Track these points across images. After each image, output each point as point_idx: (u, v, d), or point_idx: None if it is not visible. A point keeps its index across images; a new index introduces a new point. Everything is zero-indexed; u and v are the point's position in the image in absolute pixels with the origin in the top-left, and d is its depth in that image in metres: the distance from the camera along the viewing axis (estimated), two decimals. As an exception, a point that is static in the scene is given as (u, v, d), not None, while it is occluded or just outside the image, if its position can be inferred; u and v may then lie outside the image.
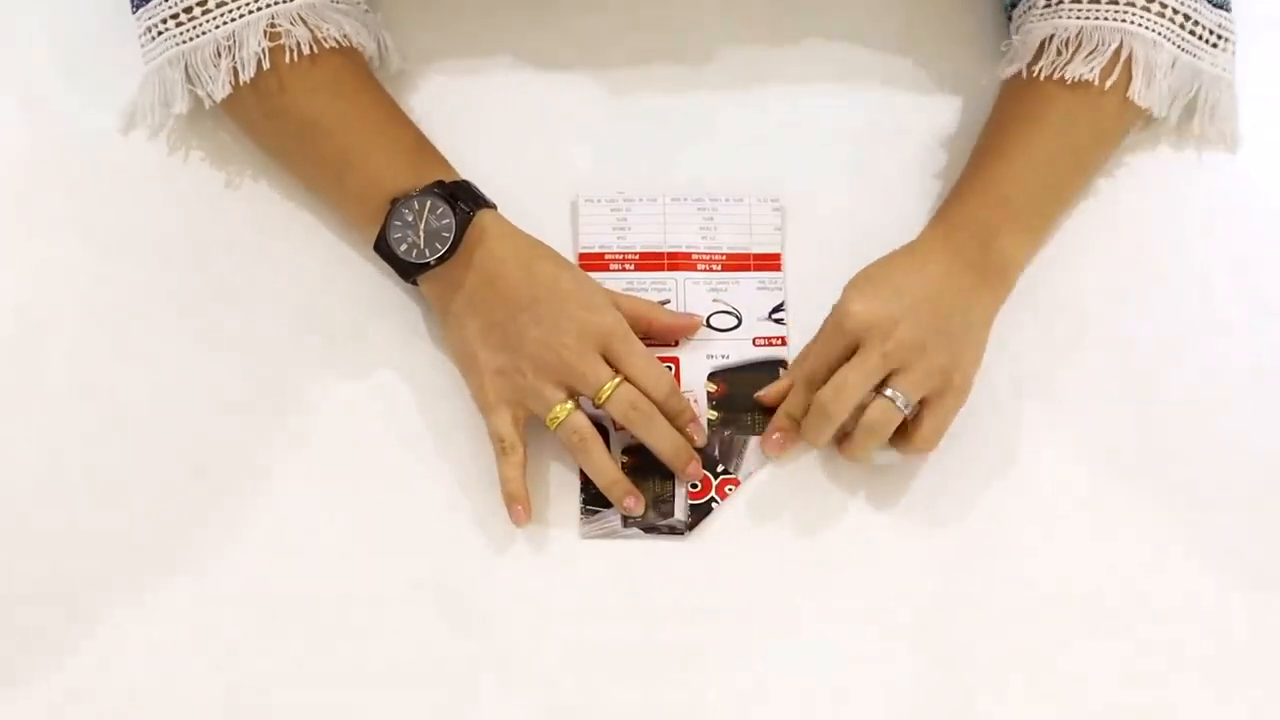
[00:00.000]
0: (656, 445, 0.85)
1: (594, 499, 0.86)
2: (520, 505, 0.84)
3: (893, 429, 0.83)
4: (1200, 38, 0.91)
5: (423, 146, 0.91)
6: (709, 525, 0.86)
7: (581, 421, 0.84)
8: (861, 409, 0.83)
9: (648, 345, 0.86)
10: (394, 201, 0.86)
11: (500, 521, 0.85)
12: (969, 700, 0.82)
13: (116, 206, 0.94)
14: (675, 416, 0.86)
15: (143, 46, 0.91)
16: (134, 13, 0.90)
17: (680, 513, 0.86)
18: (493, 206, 0.88)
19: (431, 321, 0.90)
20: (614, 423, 0.86)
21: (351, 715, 0.81)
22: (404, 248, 0.85)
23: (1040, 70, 0.91)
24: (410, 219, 0.85)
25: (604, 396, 0.83)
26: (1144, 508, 0.87)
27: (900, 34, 1.01)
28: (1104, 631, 0.84)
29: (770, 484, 0.88)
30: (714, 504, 0.86)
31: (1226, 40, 0.92)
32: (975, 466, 0.87)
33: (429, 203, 0.85)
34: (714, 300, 0.92)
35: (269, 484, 0.86)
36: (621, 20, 1.00)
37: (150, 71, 0.91)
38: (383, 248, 0.86)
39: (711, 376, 0.90)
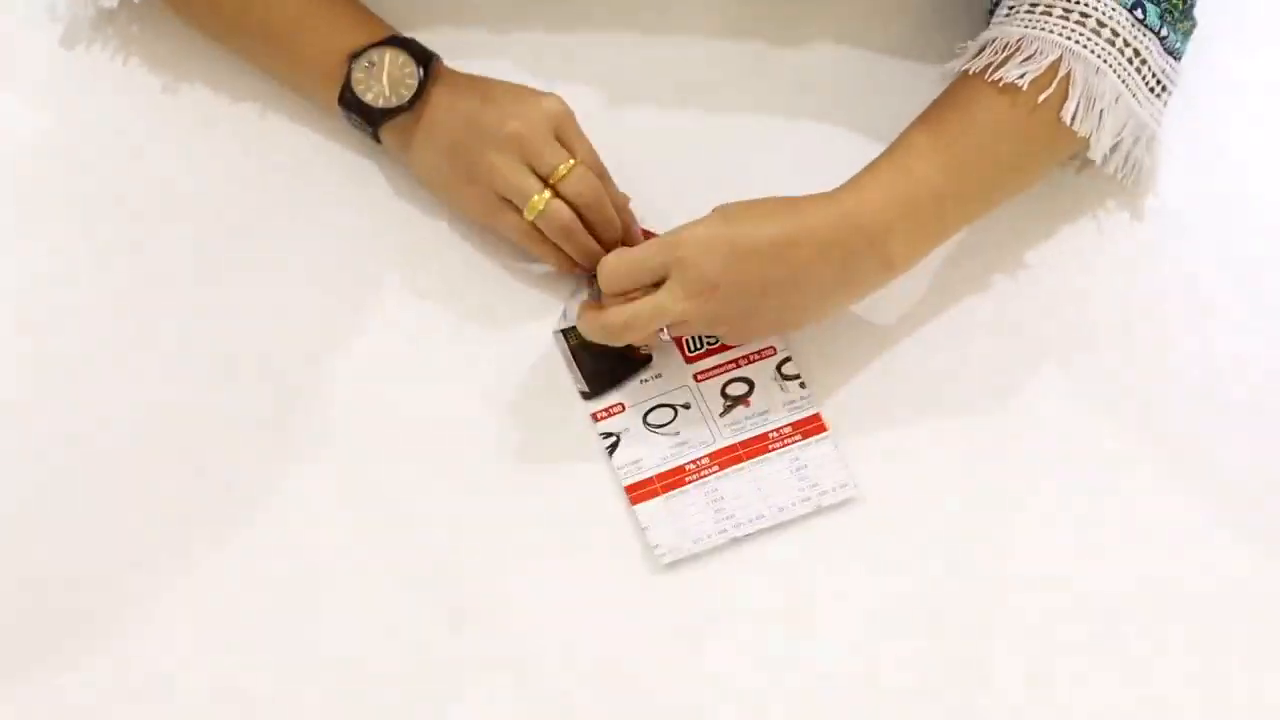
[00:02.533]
0: (599, 227, 0.88)
1: (593, 379, 0.88)
2: (563, 259, 0.88)
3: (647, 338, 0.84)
4: (1144, 79, 0.87)
5: (364, 9, 0.93)
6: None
7: (561, 206, 0.86)
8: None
9: None
10: (353, 56, 0.89)
11: (502, 527, 0.85)
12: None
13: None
14: (615, 198, 0.89)
15: None
16: None
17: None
18: (439, 59, 0.90)
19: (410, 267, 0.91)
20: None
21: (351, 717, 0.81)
22: (369, 96, 0.88)
23: (972, 67, 0.87)
24: (373, 70, 0.88)
25: (559, 174, 0.86)
26: (1148, 506, 0.86)
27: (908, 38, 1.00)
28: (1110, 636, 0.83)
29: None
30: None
31: (1166, 90, 0.89)
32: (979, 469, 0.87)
33: (388, 54, 0.89)
34: None
35: (272, 481, 0.86)
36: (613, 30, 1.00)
37: None
38: (349, 98, 0.88)
39: None
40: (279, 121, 0.95)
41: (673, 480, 0.85)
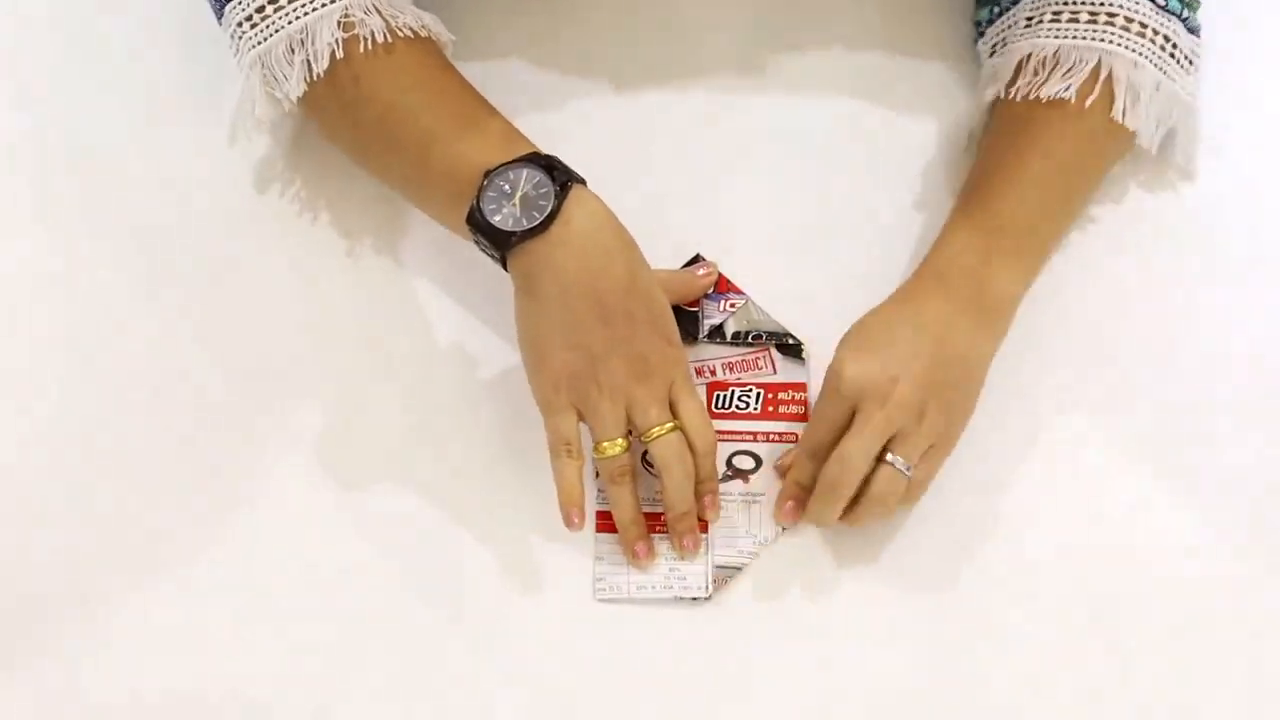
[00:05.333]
0: (670, 500, 0.83)
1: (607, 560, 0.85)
2: (577, 510, 0.81)
3: (900, 494, 0.81)
4: (1178, 61, 0.89)
5: (508, 126, 0.86)
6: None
7: (628, 460, 0.82)
8: (867, 477, 0.81)
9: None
10: (488, 173, 0.81)
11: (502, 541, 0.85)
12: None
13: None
14: (705, 480, 0.84)
15: (234, 58, 0.89)
16: (220, 24, 0.88)
17: (698, 581, 0.84)
18: (584, 182, 0.82)
19: (447, 322, 0.91)
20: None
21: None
22: (498, 218, 0.80)
23: (1017, 91, 0.88)
24: (506, 189, 0.80)
25: (654, 436, 0.81)
26: (1149, 505, 0.86)
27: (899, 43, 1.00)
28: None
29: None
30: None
31: (1194, 66, 0.91)
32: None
33: (525, 173, 0.80)
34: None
35: (269, 486, 0.87)
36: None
37: (240, 79, 0.89)
38: (478, 219, 0.80)
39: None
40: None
41: (645, 525, 0.85)
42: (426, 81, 0.86)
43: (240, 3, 0.86)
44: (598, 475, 0.86)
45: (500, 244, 0.80)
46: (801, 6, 1.00)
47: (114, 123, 0.99)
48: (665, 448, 0.81)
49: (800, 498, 0.84)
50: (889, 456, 0.80)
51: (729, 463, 0.87)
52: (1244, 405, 0.88)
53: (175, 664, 0.83)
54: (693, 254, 0.92)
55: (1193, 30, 0.90)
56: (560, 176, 0.80)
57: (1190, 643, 0.82)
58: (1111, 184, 0.94)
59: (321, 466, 0.87)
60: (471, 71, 0.89)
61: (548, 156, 0.82)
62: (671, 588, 0.83)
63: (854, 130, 0.97)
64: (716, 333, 0.89)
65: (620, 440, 0.81)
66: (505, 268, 0.82)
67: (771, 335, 0.89)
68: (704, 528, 0.85)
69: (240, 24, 0.86)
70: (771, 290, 0.91)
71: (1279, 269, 0.93)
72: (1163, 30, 0.88)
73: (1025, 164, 0.87)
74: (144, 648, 0.83)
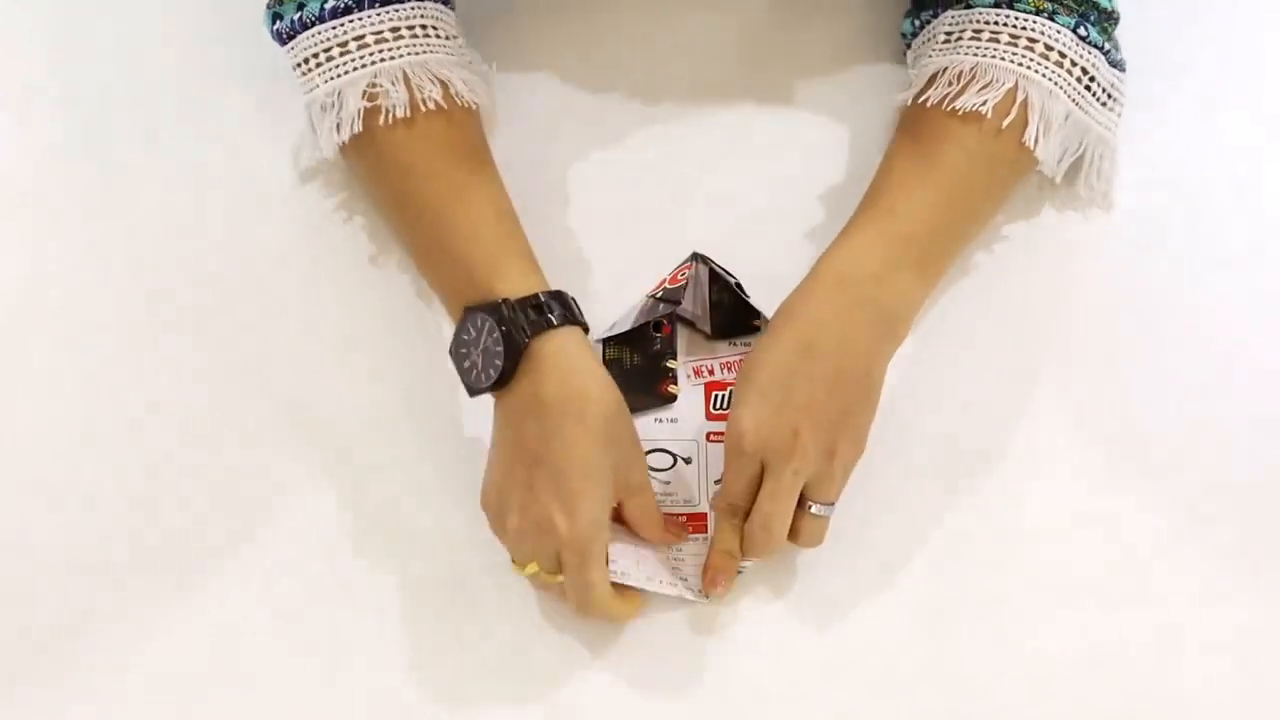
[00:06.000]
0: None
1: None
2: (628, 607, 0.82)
3: (826, 529, 0.81)
4: (1094, 95, 0.88)
5: (503, 244, 0.85)
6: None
7: (542, 583, 0.82)
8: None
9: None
10: (466, 310, 0.82)
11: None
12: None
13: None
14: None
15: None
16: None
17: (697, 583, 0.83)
18: (556, 325, 0.81)
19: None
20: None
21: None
22: (465, 364, 0.82)
23: (929, 99, 0.88)
24: (473, 335, 0.82)
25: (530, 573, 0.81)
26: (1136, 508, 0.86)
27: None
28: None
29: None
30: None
31: (1116, 101, 0.91)
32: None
33: (487, 325, 0.81)
34: None
35: (283, 499, 0.86)
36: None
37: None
38: (454, 354, 0.83)
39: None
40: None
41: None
42: (437, 173, 0.87)
43: (291, 50, 0.89)
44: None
45: (469, 390, 0.82)
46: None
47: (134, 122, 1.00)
48: (532, 579, 0.82)
49: (730, 568, 0.81)
50: (810, 507, 0.80)
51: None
52: (1233, 404, 0.89)
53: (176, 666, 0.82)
54: (688, 253, 0.90)
55: (1115, 64, 0.90)
56: (521, 332, 0.79)
57: (1186, 644, 0.82)
58: (1029, 209, 0.95)
59: (334, 476, 0.87)
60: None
61: (518, 301, 0.81)
62: (676, 585, 0.82)
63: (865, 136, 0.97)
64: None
65: (534, 564, 0.80)
66: None
67: None
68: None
69: (294, 68, 0.89)
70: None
71: (1197, 296, 0.93)
72: (1081, 62, 0.88)
73: (932, 174, 0.87)
74: (151, 656, 0.83)
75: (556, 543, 0.78)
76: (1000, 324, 0.91)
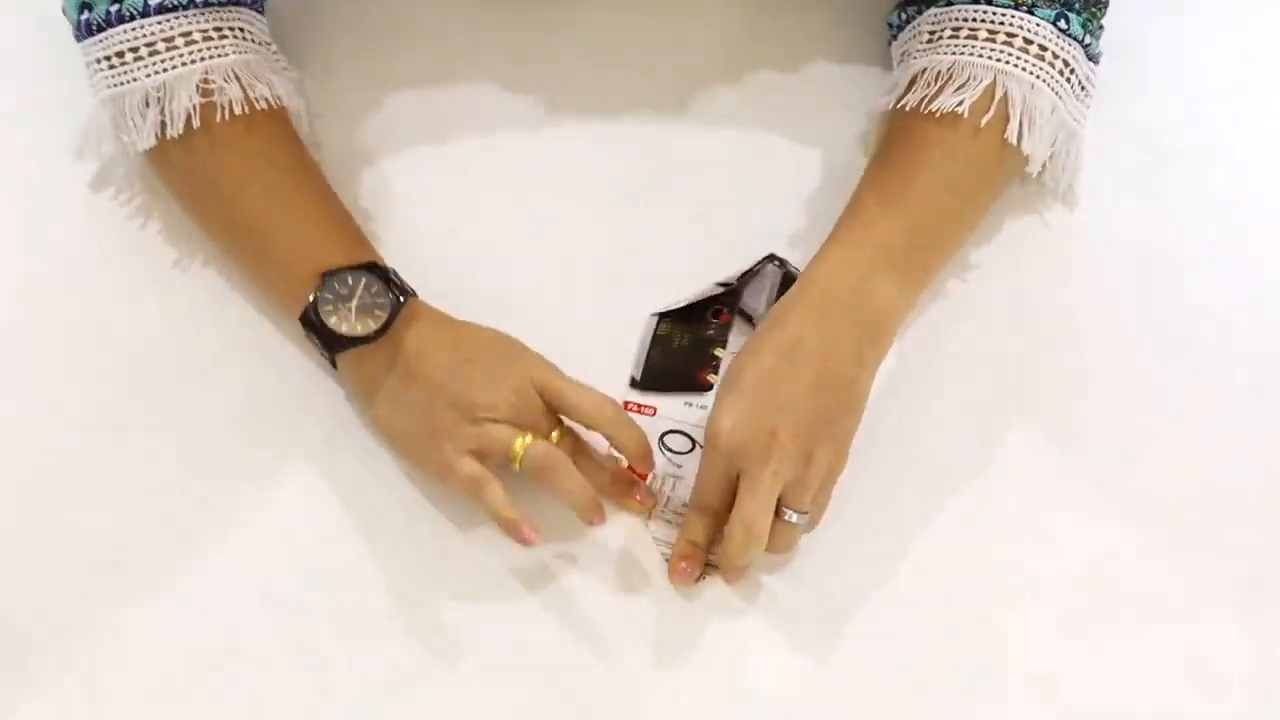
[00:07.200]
0: (569, 503, 0.82)
1: (648, 373, 0.88)
2: (523, 525, 0.80)
3: (799, 536, 0.82)
4: (1072, 87, 0.88)
5: (352, 227, 0.89)
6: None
7: (545, 447, 0.81)
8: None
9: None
10: (325, 275, 0.83)
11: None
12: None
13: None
14: (624, 444, 0.83)
15: (88, 81, 0.90)
16: (78, 42, 0.89)
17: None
18: (414, 296, 0.86)
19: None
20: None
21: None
22: (333, 320, 0.82)
23: (907, 102, 0.88)
24: (344, 293, 0.83)
25: (517, 455, 0.81)
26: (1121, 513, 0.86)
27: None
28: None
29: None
30: None
31: (1088, 93, 0.91)
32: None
33: (364, 280, 0.83)
34: None
35: (275, 494, 0.86)
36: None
37: (93, 105, 0.90)
38: (311, 318, 0.83)
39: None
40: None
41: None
42: (279, 165, 0.88)
43: (101, 41, 0.86)
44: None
45: (332, 347, 0.84)
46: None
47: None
48: (533, 459, 0.80)
49: (696, 557, 0.82)
50: (784, 512, 0.80)
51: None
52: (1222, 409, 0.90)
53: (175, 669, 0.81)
54: (765, 255, 0.91)
55: (1093, 58, 0.90)
56: (397, 289, 0.83)
57: (1184, 644, 0.82)
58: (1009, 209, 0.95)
59: (327, 472, 0.87)
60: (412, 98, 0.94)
61: (386, 268, 0.85)
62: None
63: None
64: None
65: (520, 440, 0.80)
66: (334, 365, 0.86)
67: None
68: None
69: (99, 61, 0.87)
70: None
71: (1164, 295, 0.94)
72: (1062, 55, 0.87)
73: (913, 180, 0.86)
74: (148, 657, 0.82)
75: (524, 399, 0.80)
76: (984, 329, 0.92)
